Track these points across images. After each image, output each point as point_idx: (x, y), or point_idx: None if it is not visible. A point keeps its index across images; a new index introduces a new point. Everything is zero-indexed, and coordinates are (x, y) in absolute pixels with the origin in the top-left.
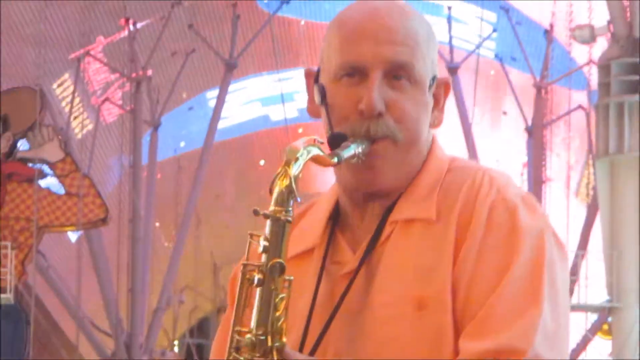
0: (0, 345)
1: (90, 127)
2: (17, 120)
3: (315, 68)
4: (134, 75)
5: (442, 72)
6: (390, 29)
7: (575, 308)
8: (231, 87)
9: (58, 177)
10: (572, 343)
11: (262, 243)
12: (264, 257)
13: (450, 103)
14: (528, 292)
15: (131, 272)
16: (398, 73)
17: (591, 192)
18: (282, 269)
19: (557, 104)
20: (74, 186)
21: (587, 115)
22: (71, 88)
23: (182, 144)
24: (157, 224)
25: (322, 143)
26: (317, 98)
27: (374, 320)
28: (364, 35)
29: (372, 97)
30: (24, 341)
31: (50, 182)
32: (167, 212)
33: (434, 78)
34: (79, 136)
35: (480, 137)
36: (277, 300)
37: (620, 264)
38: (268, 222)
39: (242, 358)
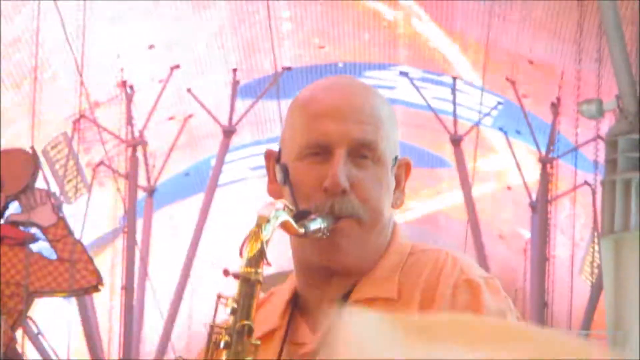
0: None
1: (84, 191)
2: (8, 182)
3: (275, 148)
4: (130, 139)
5: (446, 144)
6: (356, 108)
7: None
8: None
9: (50, 241)
10: None
11: (231, 304)
12: (231, 319)
13: (453, 175)
14: None
15: (123, 340)
16: (362, 152)
17: (596, 271)
18: (250, 331)
19: (562, 179)
20: (66, 251)
21: (593, 191)
22: (65, 151)
23: (177, 210)
24: (151, 292)
25: (292, 210)
26: (279, 177)
27: None
28: (329, 114)
29: (336, 175)
30: None
31: (41, 246)
32: (161, 280)
33: (395, 158)
34: (72, 200)
35: (483, 212)
36: None
37: (625, 345)
38: (238, 282)
39: None
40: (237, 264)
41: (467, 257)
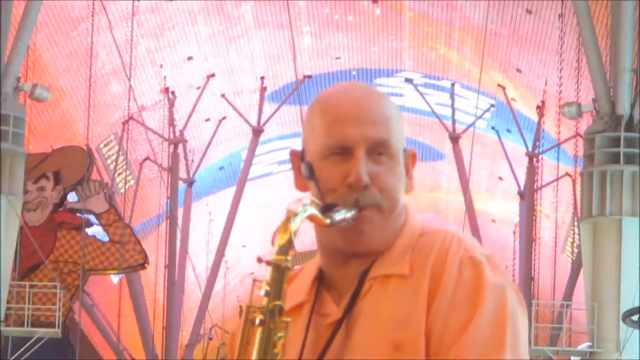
0: None
1: (132, 182)
2: (67, 175)
3: (299, 149)
4: (172, 137)
5: (446, 142)
6: (370, 111)
7: (560, 353)
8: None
9: (103, 226)
10: None
11: (264, 287)
12: (264, 300)
13: (452, 168)
14: (493, 338)
15: (166, 312)
16: (378, 149)
17: (576, 250)
18: (280, 311)
19: (546, 171)
20: (116, 234)
21: (573, 182)
22: (116, 148)
23: (213, 198)
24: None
25: (319, 204)
26: (304, 174)
27: None
28: (348, 119)
29: (359, 172)
30: None
31: (95, 230)
32: (199, 260)
33: (404, 150)
34: (122, 190)
35: (478, 199)
36: (275, 338)
37: (601, 314)
38: (270, 268)
39: None
40: (266, 247)
41: (470, 237)
